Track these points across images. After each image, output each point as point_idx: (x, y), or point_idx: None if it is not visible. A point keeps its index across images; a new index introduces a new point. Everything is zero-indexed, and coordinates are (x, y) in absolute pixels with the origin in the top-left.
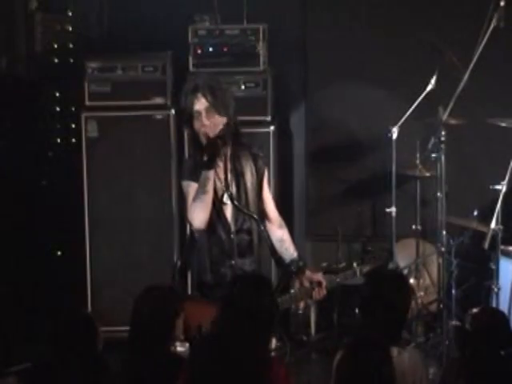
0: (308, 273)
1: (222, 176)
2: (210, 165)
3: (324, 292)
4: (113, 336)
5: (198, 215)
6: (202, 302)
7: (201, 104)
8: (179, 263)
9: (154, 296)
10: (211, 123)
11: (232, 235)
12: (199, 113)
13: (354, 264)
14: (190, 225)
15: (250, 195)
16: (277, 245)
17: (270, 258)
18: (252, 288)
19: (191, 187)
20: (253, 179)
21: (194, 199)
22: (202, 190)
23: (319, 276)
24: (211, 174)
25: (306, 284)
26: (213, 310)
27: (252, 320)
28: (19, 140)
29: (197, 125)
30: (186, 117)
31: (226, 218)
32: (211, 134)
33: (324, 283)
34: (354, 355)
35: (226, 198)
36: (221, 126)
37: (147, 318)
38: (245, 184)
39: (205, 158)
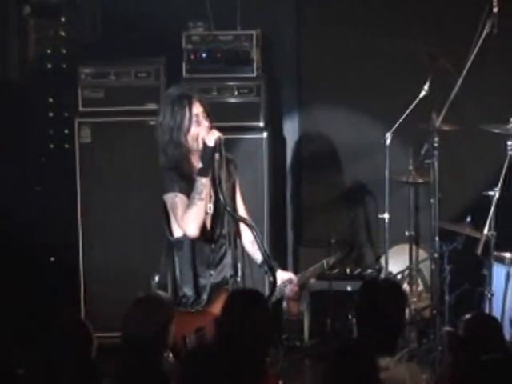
0: (279, 272)
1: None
2: (207, 172)
3: (296, 289)
4: (106, 342)
5: (194, 222)
6: (184, 314)
7: (198, 107)
8: (157, 277)
9: (147, 302)
10: (207, 127)
11: (213, 245)
12: (197, 116)
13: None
14: (174, 233)
15: (227, 199)
16: (248, 246)
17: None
18: (248, 304)
19: (178, 197)
20: (227, 184)
21: (189, 207)
22: (198, 197)
23: (290, 274)
24: (207, 180)
25: (278, 282)
26: (195, 321)
27: (250, 335)
28: (12, 145)
29: (196, 129)
30: (181, 124)
31: (206, 228)
32: (206, 139)
33: (295, 280)
34: (340, 363)
35: (208, 208)
36: (216, 132)
37: (140, 324)
38: (221, 189)
39: (200, 165)
